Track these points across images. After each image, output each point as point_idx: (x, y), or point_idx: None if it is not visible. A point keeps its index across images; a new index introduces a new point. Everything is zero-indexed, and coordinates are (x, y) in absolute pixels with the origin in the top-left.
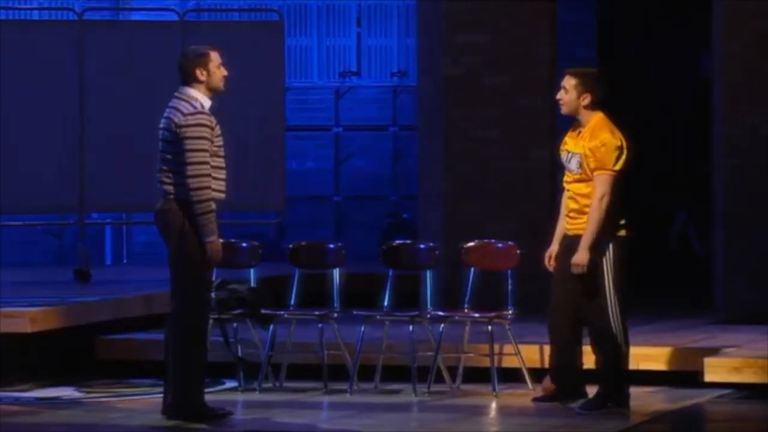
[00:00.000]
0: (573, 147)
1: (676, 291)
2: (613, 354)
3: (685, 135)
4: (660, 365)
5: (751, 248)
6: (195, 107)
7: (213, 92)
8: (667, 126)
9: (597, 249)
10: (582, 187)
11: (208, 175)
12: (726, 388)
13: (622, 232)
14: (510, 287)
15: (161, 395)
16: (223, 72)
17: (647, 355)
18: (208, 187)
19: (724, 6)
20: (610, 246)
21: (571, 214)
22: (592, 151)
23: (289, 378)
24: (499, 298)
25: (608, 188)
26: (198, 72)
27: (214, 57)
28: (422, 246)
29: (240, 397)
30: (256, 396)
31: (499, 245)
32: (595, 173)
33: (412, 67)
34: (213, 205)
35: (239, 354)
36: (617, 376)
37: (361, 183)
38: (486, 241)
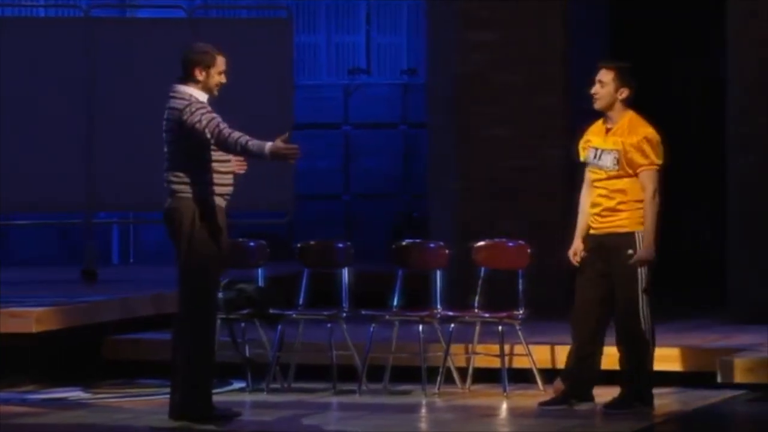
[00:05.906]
0: (603, 143)
1: (688, 290)
2: (642, 354)
3: (697, 133)
4: (674, 366)
5: (765, 247)
6: (189, 101)
7: (206, 93)
8: (679, 124)
9: (633, 247)
10: (618, 184)
11: (228, 128)
12: (740, 388)
13: None
14: (521, 287)
15: (169, 396)
16: (222, 79)
17: (661, 356)
18: (235, 132)
19: (739, 4)
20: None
21: (603, 213)
22: (634, 146)
23: (298, 378)
24: (509, 298)
25: (657, 184)
26: (197, 71)
27: (220, 62)
28: (432, 245)
29: (248, 397)
30: (264, 397)
31: (510, 245)
32: (640, 170)
33: (421, 64)
34: (246, 138)
35: (247, 354)
36: (644, 377)
37: (371, 181)
38: (497, 240)
